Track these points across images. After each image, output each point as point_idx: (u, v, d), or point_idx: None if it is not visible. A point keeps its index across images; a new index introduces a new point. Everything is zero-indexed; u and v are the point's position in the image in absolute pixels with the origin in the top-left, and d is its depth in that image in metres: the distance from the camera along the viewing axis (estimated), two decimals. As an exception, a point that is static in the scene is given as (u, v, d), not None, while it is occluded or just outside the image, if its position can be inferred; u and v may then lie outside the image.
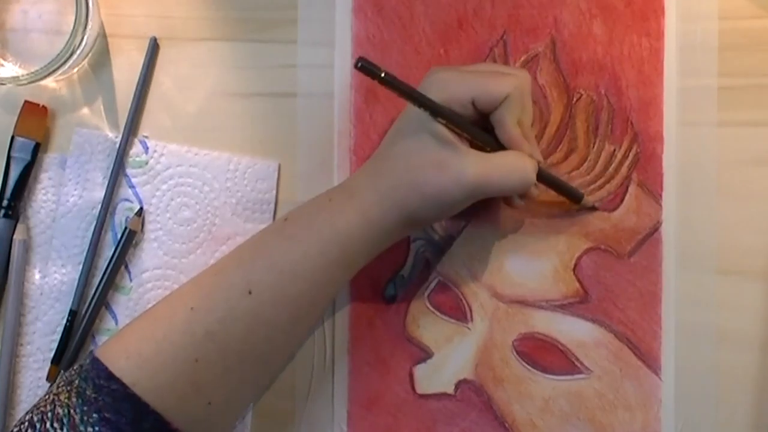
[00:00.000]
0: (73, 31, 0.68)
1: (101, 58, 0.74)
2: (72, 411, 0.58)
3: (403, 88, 0.60)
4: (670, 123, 0.70)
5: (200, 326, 0.60)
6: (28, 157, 0.72)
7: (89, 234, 0.73)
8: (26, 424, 0.59)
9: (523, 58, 0.71)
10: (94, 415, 0.58)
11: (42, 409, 0.59)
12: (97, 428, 0.57)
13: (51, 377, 0.72)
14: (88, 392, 0.58)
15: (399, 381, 0.72)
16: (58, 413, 0.58)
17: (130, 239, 0.72)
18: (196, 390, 0.60)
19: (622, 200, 0.71)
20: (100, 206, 0.73)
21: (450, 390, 0.72)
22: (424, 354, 0.72)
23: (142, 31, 0.73)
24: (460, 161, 0.62)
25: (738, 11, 0.70)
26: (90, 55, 0.73)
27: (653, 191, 0.71)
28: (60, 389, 0.60)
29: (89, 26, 0.69)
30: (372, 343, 0.72)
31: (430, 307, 0.72)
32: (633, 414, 0.70)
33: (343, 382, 0.72)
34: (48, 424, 0.58)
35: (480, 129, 0.64)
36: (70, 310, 0.72)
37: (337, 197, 0.64)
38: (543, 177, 0.67)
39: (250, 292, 0.61)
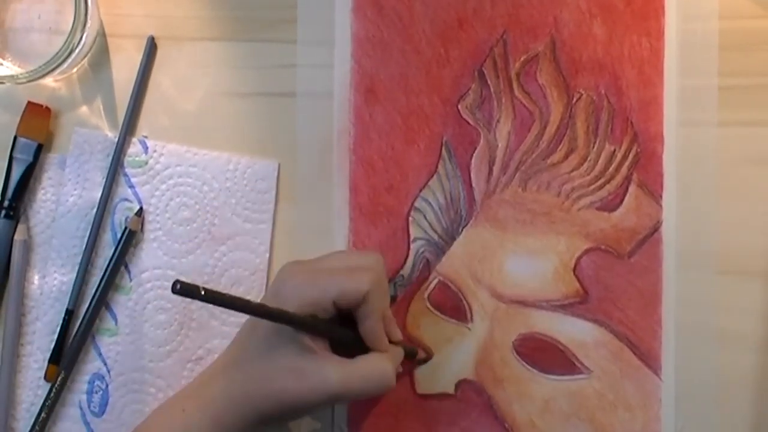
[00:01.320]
0: (72, 30, 0.68)
1: (100, 58, 0.74)
2: None
3: (244, 305, 0.58)
4: (670, 123, 0.70)
5: None
6: (30, 158, 0.72)
7: (89, 233, 0.73)
8: None
9: (523, 58, 0.71)
10: None
11: None
12: None
13: (49, 377, 0.72)
14: None
15: (399, 381, 0.72)
16: None
17: (129, 239, 0.72)
18: None
19: (622, 200, 0.71)
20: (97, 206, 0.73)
21: (450, 390, 0.72)
22: (424, 354, 0.72)
23: (142, 30, 0.73)
24: (320, 370, 0.61)
25: (738, 11, 0.70)
26: (89, 54, 0.73)
27: (653, 191, 0.71)
28: None
29: (88, 25, 0.69)
30: (372, 343, 0.72)
31: (430, 307, 0.72)
32: (633, 414, 0.70)
33: (343, 383, 0.72)
34: None
35: (340, 324, 0.64)
36: (67, 310, 0.72)
37: (189, 406, 0.64)
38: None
39: None
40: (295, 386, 0.61)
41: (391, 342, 0.66)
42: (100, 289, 0.72)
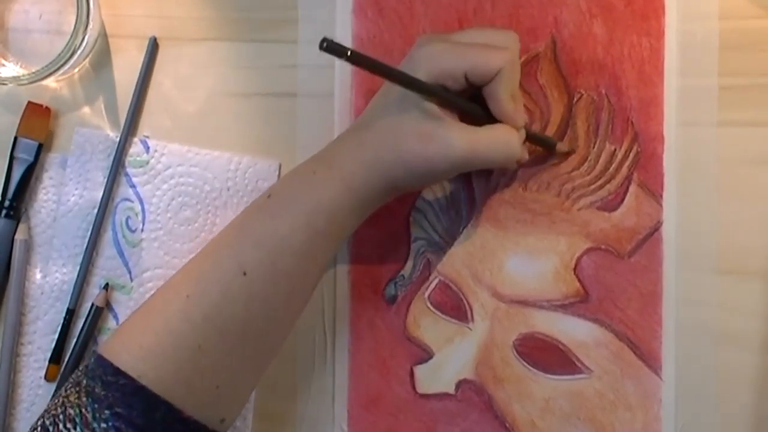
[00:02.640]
0: (73, 31, 0.68)
1: (102, 58, 0.74)
2: (83, 410, 0.58)
3: (382, 68, 0.59)
4: (670, 123, 0.70)
5: (197, 312, 0.60)
6: (31, 158, 0.73)
7: (90, 233, 0.73)
8: (39, 429, 0.58)
9: (523, 58, 0.71)
10: (106, 411, 0.58)
11: (53, 412, 0.59)
12: (110, 423, 0.57)
13: (50, 376, 0.73)
14: (97, 390, 0.58)
15: (399, 381, 0.72)
16: (69, 414, 0.58)
17: (97, 316, 0.73)
18: (201, 376, 0.60)
19: (622, 200, 0.71)
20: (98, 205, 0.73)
21: (450, 390, 0.72)
22: (424, 354, 0.72)
23: (143, 31, 0.73)
24: (446, 134, 0.62)
25: (738, 11, 0.70)
26: (91, 55, 0.73)
27: (653, 191, 0.71)
28: (69, 391, 0.60)
29: (90, 26, 0.69)
30: (372, 343, 0.72)
31: (431, 307, 0.72)
32: (633, 414, 0.70)
33: (344, 382, 0.72)
34: (61, 426, 0.58)
35: (469, 100, 0.64)
36: (68, 309, 0.73)
37: (319, 169, 0.64)
38: (529, 137, 0.68)
39: (244, 273, 0.61)
40: (421, 149, 0.61)
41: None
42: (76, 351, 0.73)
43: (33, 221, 0.73)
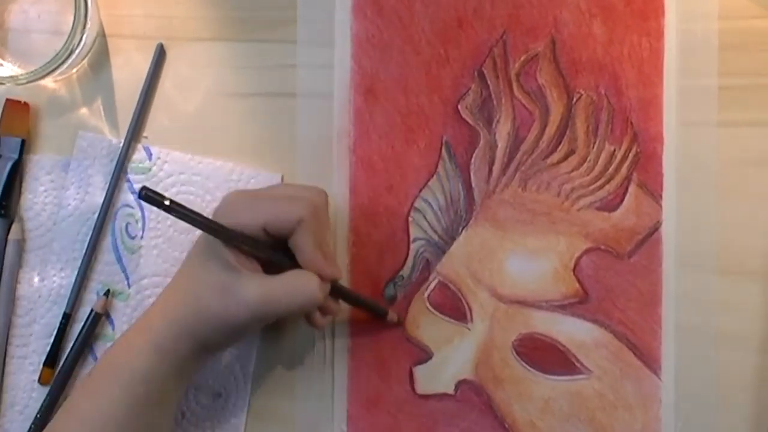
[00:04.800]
0: (71, 30, 0.68)
1: (100, 58, 0.74)
2: None
3: (190, 215, 0.59)
4: (670, 123, 0.70)
5: None
6: (16, 155, 0.72)
7: (89, 238, 0.73)
8: None
9: (523, 58, 0.71)
10: None
11: None
12: None
13: (43, 380, 0.72)
14: None
15: (399, 381, 0.72)
16: None
17: (95, 322, 0.73)
18: None
19: (622, 200, 0.71)
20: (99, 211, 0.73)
21: (450, 390, 0.72)
22: (424, 354, 0.72)
23: (142, 31, 0.73)
24: (242, 284, 0.62)
25: (738, 11, 0.70)
26: (89, 55, 0.73)
27: (653, 191, 0.71)
28: None
29: (88, 26, 0.69)
30: (372, 343, 0.72)
31: (430, 308, 0.72)
32: (633, 414, 0.70)
33: (343, 382, 0.72)
34: None
35: (276, 250, 0.64)
36: (64, 313, 0.72)
37: (135, 336, 0.64)
38: (341, 293, 0.68)
39: None
40: (218, 303, 0.62)
41: (331, 280, 0.66)
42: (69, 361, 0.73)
43: (33, 224, 0.73)
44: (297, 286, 0.63)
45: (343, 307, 0.71)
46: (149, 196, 0.55)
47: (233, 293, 0.62)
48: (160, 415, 0.65)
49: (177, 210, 0.57)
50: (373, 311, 0.71)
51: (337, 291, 0.67)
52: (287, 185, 0.71)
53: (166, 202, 0.56)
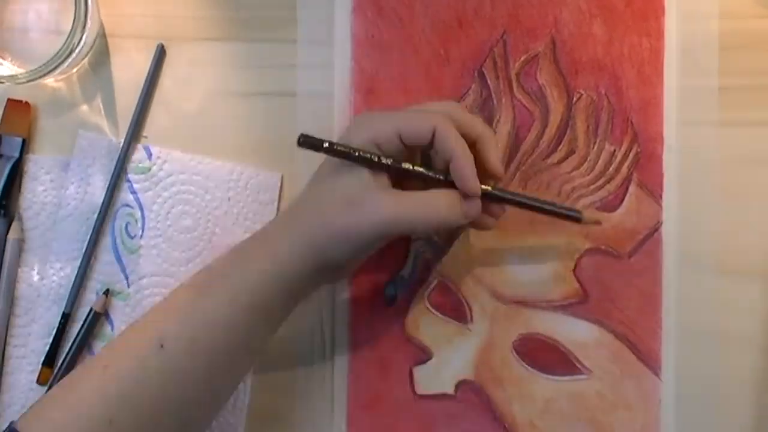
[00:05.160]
0: (72, 30, 0.68)
1: (101, 58, 0.74)
2: None
3: (351, 153, 0.62)
4: (670, 123, 0.70)
5: (112, 386, 0.59)
6: (16, 154, 0.72)
7: (89, 237, 0.73)
8: None
9: (523, 58, 0.71)
10: None
11: None
12: None
13: (42, 380, 0.72)
14: None
15: (399, 381, 0.72)
16: None
17: (94, 321, 0.73)
18: None
19: (622, 200, 0.71)
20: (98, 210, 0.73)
21: (450, 390, 0.72)
22: (423, 354, 0.72)
23: (142, 30, 0.73)
24: (372, 199, 0.61)
25: (739, 11, 0.70)
26: (89, 54, 0.73)
27: (653, 191, 0.71)
28: None
29: (88, 25, 0.69)
30: (372, 344, 0.72)
31: (430, 308, 0.72)
32: (633, 414, 0.70)
33: (343, 382, 0.72)
34: None
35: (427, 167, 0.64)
36: (63, 313, 0.72)
37: (250, 246, 0.64)
38: (505, 200, 0.66)
39: (162, 346, 0.60)
40: (346, 216, 0.61)
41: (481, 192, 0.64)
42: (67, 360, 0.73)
43: (32, 223, 0.73)
44: (433, 205, 0.62)
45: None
46: (307, 141, 0.62)
47: (361, 207, 0.61)
48: (261, 327, 0.64)
49: (336, 150, 0.62)
50: (558, 215, 0.67)
51: (498, 198, 0.65)
52: (419, 104, 0.68)
53: (325, 145, 0.62)
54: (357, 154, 0.62)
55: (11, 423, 0.60)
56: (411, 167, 0.63)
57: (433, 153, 0.64)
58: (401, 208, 0.62)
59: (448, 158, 0.62)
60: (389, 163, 0.62)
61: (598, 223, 0.68)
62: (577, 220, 0.66)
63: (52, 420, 0.59)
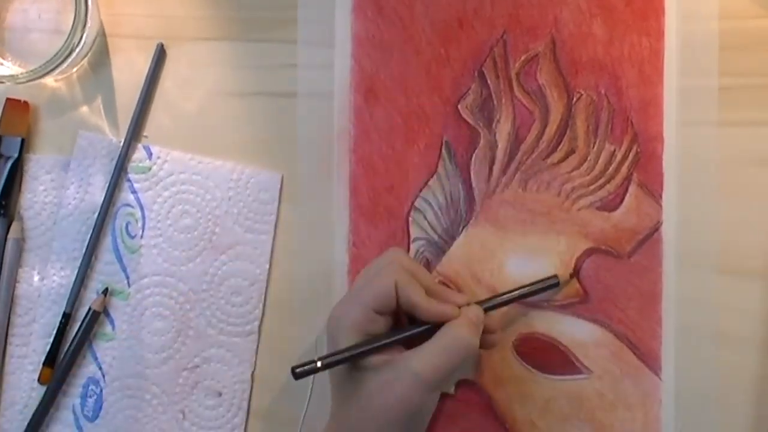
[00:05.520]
0: (72, 30, 0.68)
1: (101, 58, 0.74)
2: None
3: (343, 358, 0.62)
4: (670, 123, 0.70)
5: None
6: (16, 154, 0.73)
7: (89, 237, 0.73)
8: None
9: (523, 58, 0.71)
10: None
11: None
12: None
13: (43, 379, 0.72)
14: None
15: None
16: None
17: (93, 320, 0.73)
18: None
19: (622, 200, 0.71)
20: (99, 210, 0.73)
21: (450, 390, 0.72)
22: (423, 354, 0.72)
23: (142, 30, 0.73)
24: (403, 371, 0.61)
25: (739, 11, 0.70)
26: (89, 54, 0.73)
27: (653, 191, 0.71)
28: None
29: (88, 25, 0.69)
30: (372, 343, 0.72)
31: (430, 308, 0.72)
32: (633, 414, 0.70)
33: (343, 382, 0.72)
34: None
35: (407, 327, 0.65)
36: (64, 313, 0.72)
37: None
38: (493, 305, 0.68)
39: None
40: (391, 400, 0.61)
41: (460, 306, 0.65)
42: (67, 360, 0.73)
43: (33, 223, 0.73)
44: (449, 341, 0.62)
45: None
46: (303, 371, 0.62)
47: (401, 383, 0.61)
48: None
49: (332, 362, 0.62)
50: (539, 291, 0.70)
51: (489, 307, 0.67)
52: (363, 272, 0.68)
53: (319, 364, 0.62)
54: (355, 352, 0.62)
55: None
56: (400, 335, 0.64)
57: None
58: (430, 360, 0.61)
59: (412, 309, 0.64)
60: (385, 341, 0.63)
61: (572, 276, 0.71)
62: (556, 285, 0.69)
63: None
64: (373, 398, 0.61)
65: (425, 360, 0.61)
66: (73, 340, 0.72)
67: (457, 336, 0.63)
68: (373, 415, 0.61)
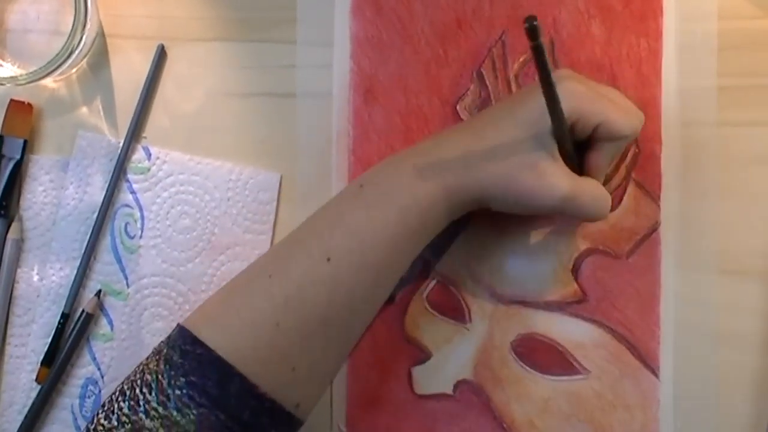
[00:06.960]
0: (71, 31, 0.68)
1: (100, 59, 0.74)
2: (160, 376, 0.59)
3: (547, 79, 0.57)
4: (668, 123, 0.70)
5: (279, 293, 0.60)
6: (18, 155, 0.73)
7: (88, 237, 0.73)
8: (117, 393, 0.60)
9: (521, 59, 0.71)
10: (181, 379, 0.58)
11: (132, 378, 0.60)
12: (184, 391, 0.58)
13: (40, 379, 0.72)
14: (174, 358, 0.59)
15: (398, 381, 0.72)
16: (146, 379, 0.59)
17: (86, 322, 0.73)
18: (278, 355, 0.60)
19: (620, 201, 0.71)
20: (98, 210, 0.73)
21: (449, 390, 0.72)
22: (423, 354, 0.72)
23: (142, 31, 0.73)
24: (555, 172, 0.61)
25: (737, 11, 0.70)
26: (89, 55, 0.73)
27: (651, 192, 0.71)
28: (149, 359, 0.61)
29: (88, 26, 0.69)
30: (371, 344, 0.72)
31: (429, 308, 0.72)
32: (632, 414, 0.70)
33: (343, 383, 0.72)
34: (137, 390, 0.59)
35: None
36: (63, 313, 0.73)
37: (420, 164, 0.63)
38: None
39: (328, 260, 0.60)
40: (530, 181, 0.61)
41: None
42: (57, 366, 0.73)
43: (32, 223, 0.73)
44: (599, 194, 0.64)
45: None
46: (534, 26, 0.51)
47: (547, 177, 0.61)
48: (419, 246, 0.64)
49: (538, 58, 0.55)
50: None
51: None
52: (613, 90, 0.68)
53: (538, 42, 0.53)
54: (557, 106, 0.59)
55: (178, 323, 0.62)
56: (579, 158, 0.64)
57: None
58: (580, 191, 0.62)
59: (605, 156, 0.64)
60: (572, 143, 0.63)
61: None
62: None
63: (220, 319, 0.61)
64: (520, 160, 0.61)
65: (576, 187, 0.62)
66: (67, 341, 0.72)
67: (606, 198, 0.64)
68: (507, 166, 0.62)
